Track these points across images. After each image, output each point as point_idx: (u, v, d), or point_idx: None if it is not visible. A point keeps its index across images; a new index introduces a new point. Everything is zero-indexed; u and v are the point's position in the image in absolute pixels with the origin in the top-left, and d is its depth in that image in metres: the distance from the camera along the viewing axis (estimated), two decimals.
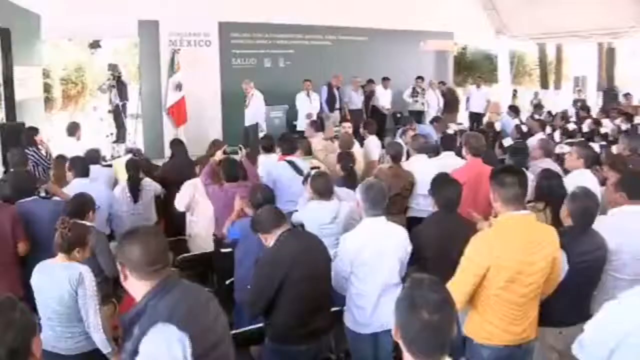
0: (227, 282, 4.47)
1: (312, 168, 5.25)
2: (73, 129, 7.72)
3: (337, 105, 11.85)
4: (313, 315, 3.35)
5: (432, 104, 12.89)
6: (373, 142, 7.65)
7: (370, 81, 12.76)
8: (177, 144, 7.13)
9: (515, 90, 16.00)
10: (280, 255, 3.33)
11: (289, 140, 6.24)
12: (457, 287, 2.82)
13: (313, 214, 4.35)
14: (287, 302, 3.27)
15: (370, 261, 3.45)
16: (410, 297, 1.83)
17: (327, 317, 3.51)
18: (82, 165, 5.32)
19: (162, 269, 2.17)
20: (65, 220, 3.44)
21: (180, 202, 5.57)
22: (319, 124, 8.25)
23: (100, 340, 3.26)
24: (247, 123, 10.71)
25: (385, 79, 12.73)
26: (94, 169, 5.62)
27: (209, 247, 5.28)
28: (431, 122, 9.67)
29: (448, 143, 6.27)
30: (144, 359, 2.03)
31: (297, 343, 3.33)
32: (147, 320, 2.08)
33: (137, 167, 6.01)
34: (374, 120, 9.30)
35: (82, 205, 4.13)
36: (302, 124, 10.74)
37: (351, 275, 3.51)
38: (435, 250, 3.57)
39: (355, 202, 3.69)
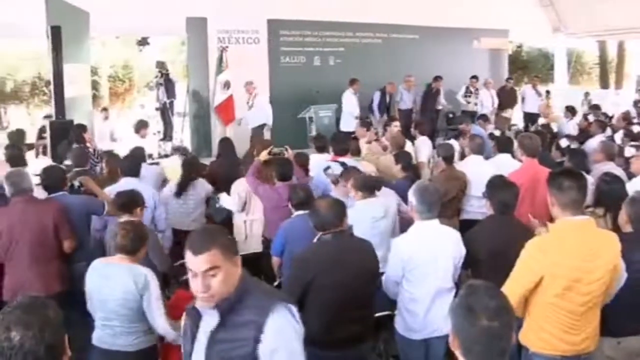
0: (275, 284, 4.42)
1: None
2: (140, 127, 7.80)
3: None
4: (345, 322, 3.22)
5: (486, 104, 12.44)
6: (424, 143, 7.53)
7: (436, 78, 12.34)
8: (226, 143, 7.11)
9: (547, 92, 15.18)
10: (310, 259, 3.26)
11: (341, 140, 6.17)
12: (510, 290, 2.72)
13: (363, 212, 4.24)
14: (315, 307, 3.17)
15: (423, 265, 3.37)
16: (467, 303, 1.79)
17: (363, 325, 3.35)
18: (133, 164, 5.29)
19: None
20: (126, 223, 3.47)
21: (235, 204, 5.46)
22: (370, 124, 8.17)
23: (175, 339, 3.22)
24: (252, 125, 10.29)
25: (437, 78, 12.39)
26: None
27: (258, 247, 5.22)
28: (477, 118, 9.47)
29: (504, 145, 6.08)
30: (278, 334, 2.08)
31: (328, 348, 3.18)
32: (259, 302, 2.09)
33: (190, 167, 5.88)
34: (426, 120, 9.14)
35: (132, 200, 4.15)
36: (346, 124, 10.54)
37: (403, 280, 3.43)
38: (489, 255, 3.46)
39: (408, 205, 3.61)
